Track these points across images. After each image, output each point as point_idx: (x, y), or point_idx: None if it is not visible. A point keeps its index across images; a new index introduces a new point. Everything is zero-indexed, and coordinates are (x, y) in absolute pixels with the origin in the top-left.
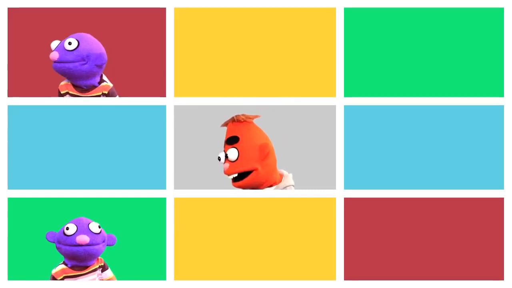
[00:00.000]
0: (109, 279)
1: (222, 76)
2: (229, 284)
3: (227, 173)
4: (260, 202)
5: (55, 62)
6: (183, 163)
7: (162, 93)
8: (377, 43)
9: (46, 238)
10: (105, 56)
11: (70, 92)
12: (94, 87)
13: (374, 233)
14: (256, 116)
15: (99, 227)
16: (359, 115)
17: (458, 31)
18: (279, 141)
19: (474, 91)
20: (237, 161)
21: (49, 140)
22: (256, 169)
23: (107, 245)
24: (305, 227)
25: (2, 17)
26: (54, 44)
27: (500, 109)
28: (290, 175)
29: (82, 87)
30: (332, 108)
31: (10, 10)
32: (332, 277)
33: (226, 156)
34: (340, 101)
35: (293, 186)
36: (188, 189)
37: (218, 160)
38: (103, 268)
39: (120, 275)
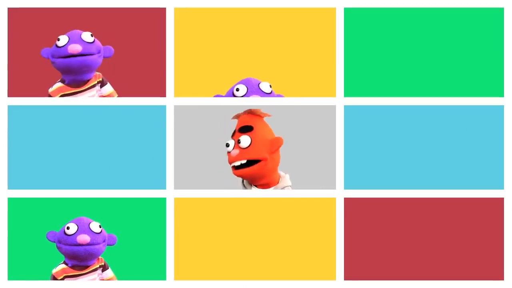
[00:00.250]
0: (109, 279)
1: (222, 76)
2: (229, 284)
3: (236, 159)
4: (260, 202)
5: (74, 55)
6: (183, 163)
7: (162, 93)
8: (377, 43)
9: (47, 238)
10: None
11: (66, 92)
12: (89, 79)
13: (374, 233)
14: (269, 115)
15: (100, 227)
16: (359, 115)
17: (458, 31)
18: None
19: (474, 91)
20: (248, 148)
21: (49, 140)
22: (265, 159)
23: (107, 245)
24: (305, 227)
25: (2, 17)
26: (65, 38)
27: (500, 109)
28: (287, 176)
29: (82, 81)
30: (332, 108)
31: (10, 10)
32: (332, 277)
33: (239, 142)
34: (340, 101)
35: (290, 186)
36: (188, 189)
37: (225, 147)
38: (104, 268)
39: (120, 275)
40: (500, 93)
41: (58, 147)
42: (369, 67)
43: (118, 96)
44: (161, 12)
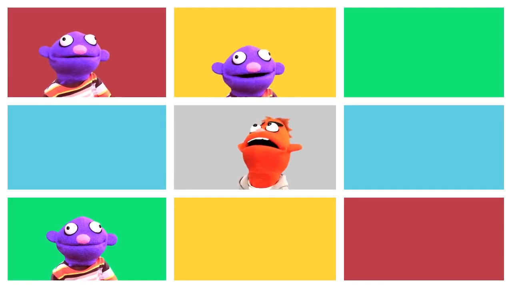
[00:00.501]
0: (109, 279)
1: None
2: (229, 284)
3: (261, 135)
4: (261, 202)
5: (79, 56)
6: (183, 163)
7: (162, 93)
8: (377, 43)
9: (47, 238)
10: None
11: (62, 92)
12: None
13: (374, 233)
14: (290, 129)
15: (100, 227)
16: (359, 115)
17: (458, 31)
18: None
19: (474, 91)
20: (275, 133)
21: (49, 140)
22: (283, 149)
23: (107, 245)
24: (305, 227)
25: (2, 17)
26: (70, 38)
27: (500, 109)
28: (284, 176)
29: (78, 81)
30: (332, 108)
31: (10, 10)
32: (332, 277)
33: (269, 124)
34: (340, 101)
35: (287, 186)
36: (188, 189)
37: (253, 126)
38: (104, 268)
39: (120, 275)
40: (500, 93)
41: (58, 147)
42: (369, 67)
43: (119, 96)
44: (161, 12)
